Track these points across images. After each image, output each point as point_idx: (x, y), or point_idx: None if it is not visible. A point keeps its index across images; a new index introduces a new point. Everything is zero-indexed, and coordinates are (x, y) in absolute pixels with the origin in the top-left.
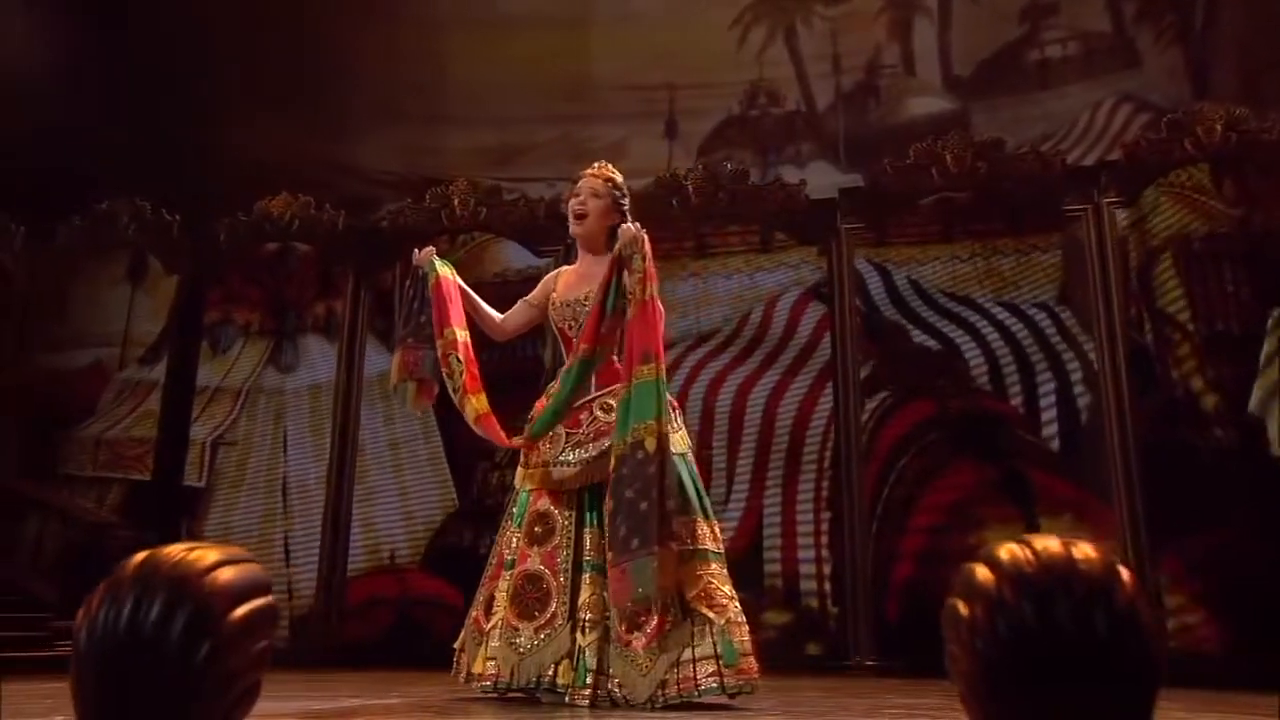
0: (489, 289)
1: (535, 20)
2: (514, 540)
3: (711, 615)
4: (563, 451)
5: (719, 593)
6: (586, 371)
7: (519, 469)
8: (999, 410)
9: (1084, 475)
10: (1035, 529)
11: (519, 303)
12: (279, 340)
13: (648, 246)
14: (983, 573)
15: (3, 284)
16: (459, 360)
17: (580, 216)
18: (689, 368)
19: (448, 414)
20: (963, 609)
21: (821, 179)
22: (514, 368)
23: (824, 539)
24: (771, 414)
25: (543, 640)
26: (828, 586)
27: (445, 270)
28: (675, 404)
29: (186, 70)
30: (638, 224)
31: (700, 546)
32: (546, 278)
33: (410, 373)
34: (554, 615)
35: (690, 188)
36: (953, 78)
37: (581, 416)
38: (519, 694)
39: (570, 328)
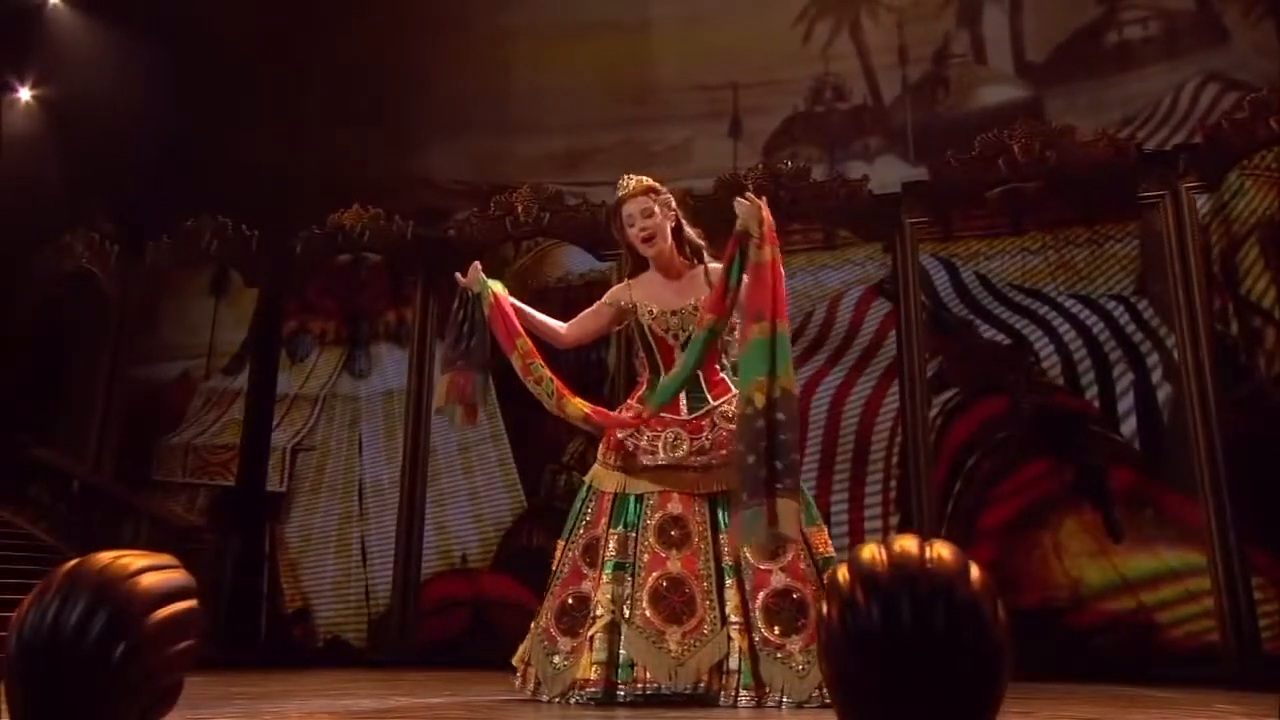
0: (554, 294)
1: (599, 25)
2: (612, 541)
3: None
4: (689, 456)
5: None
6: (712, 340)
7: (614, 473)
8: (1074, 407)
9: (1166, 472)
10: (1115, 530)
11: (588, 312)
12: (353, 348)
13: (766, 212)
14: (842, 574)
15: (100, 301)
16: (540, 367)
17: (650, 239)
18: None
19: (515, 417)
20: (824, 609)
21: (890, 173)
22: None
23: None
24: (837, 414)
25: (694, 645)
26: None
27: (496, 287)
28: None
29: (260, 92)
30: (750, 195)
31: (830, 554)
32: (616, 289)
33: (460, 396)
34: (702, 621)
35: (751, 187)
36: (1026, 64)
37: (703, 423)
38: (671, 698)
39: (677, 337)
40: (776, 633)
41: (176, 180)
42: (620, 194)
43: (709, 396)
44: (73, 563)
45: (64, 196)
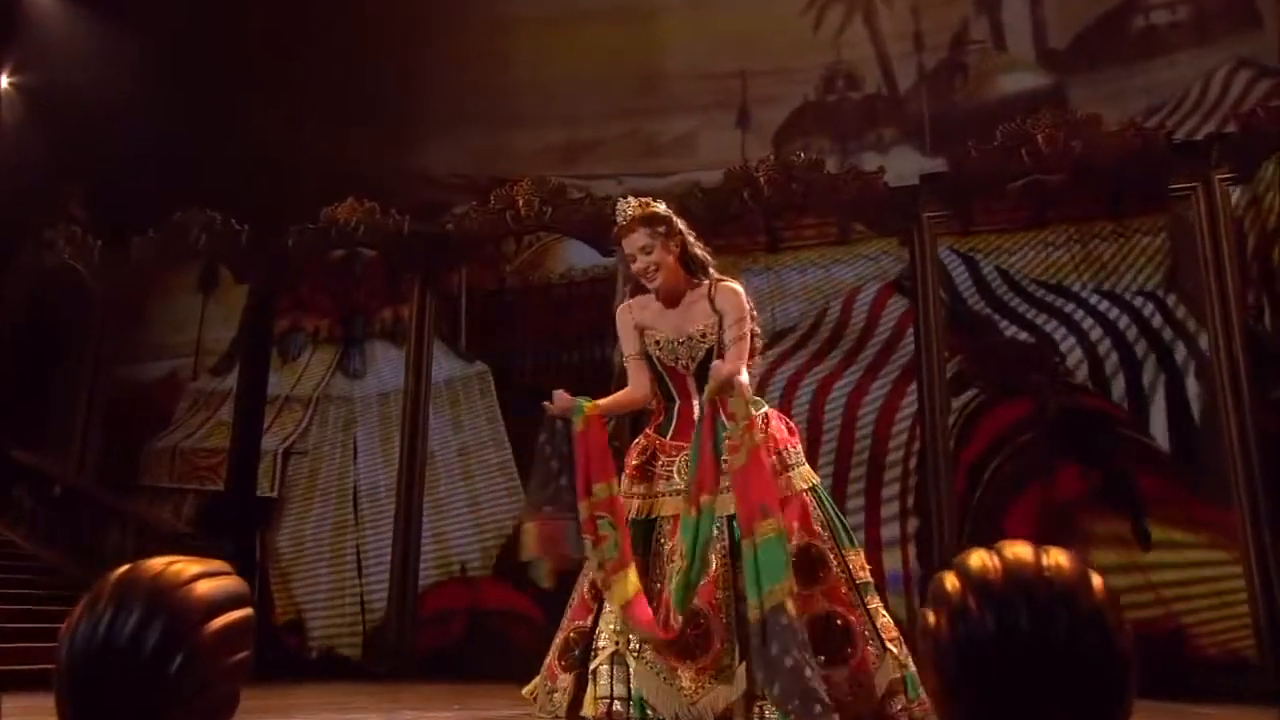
0: (557, 290)
1: (602, 12)
2: (631, 571)
3: (893, 647)
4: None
5: (893, 625)
6: (711, 523)
7: (628, 500)
8: (1101, 408)
9: (1199, 475)
10: (1144, 534)
11: (630, 364)
12: (347, 347)
13: (745, 389)
14: (951, 582)
15: (82, 297)
16: (610, 525)
17: (651, 278)
18: (762, 369)
19: (516, 420)
20: (930, 619)
21: (905, 165)
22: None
23: (911, 548)
24: (852, 415)
25: (709, 683)
26: (916, 598)
27: (587, 404)
28: (794, 427)
29: (251, 82)
30: (727, 365)
31: (869, 579)
32: (623, 318)
33: (550, 549)
34: (719, 655)
35: (762, 179)
36: (1048, 50)
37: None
38: None
39: (686, 366)
40: (821, 662)
41: (163, 172)
42: (617, 226)
43: (725, 420)
44: (123, 570)
45: (45, 189)
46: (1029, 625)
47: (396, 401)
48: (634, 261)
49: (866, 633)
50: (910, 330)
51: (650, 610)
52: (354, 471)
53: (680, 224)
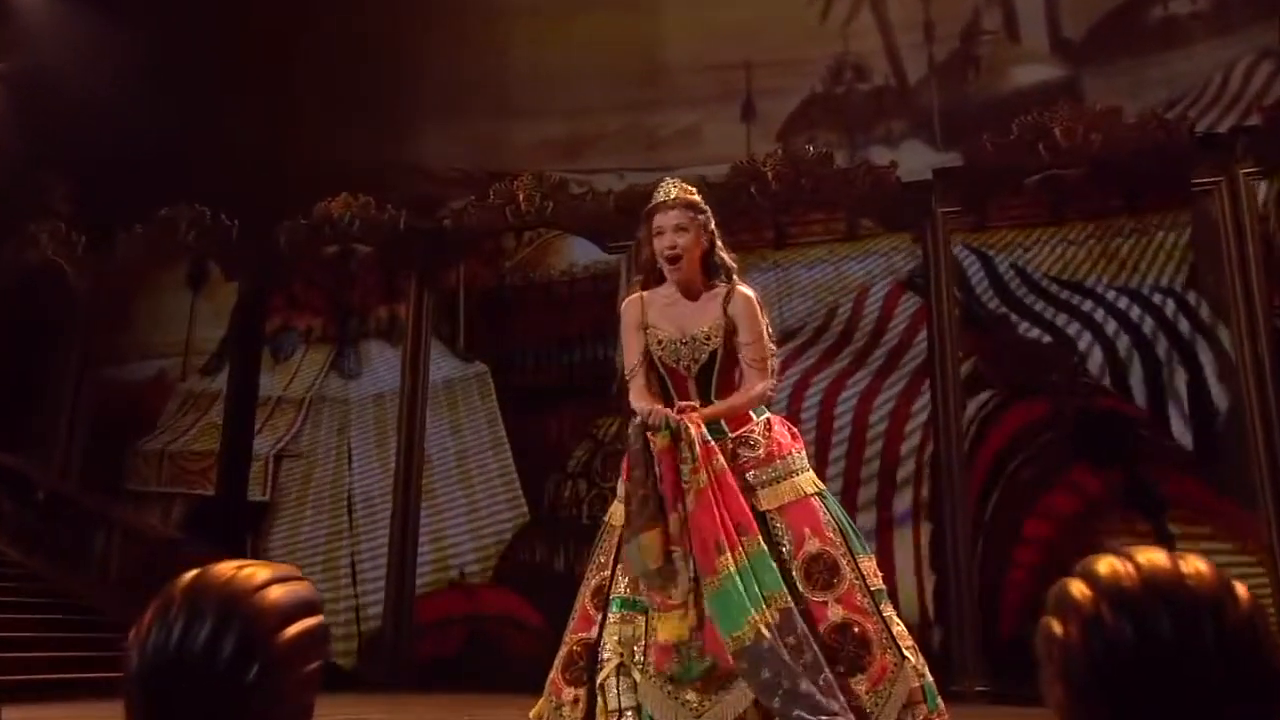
0: (559, 288)
1: (603, 1)
2: (623, 581)
3: (910, 655)
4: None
5: (907, 632)
6: (753, 571)
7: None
8: (1121, 409)
9: (1223, 478)
10: (1167, 540)
11: (634, 380)
12: (341, 346)
13: (694, 431)
14: (1079, 589)
15: (66, 295)
16: (684, 558)
17: (675, 260)
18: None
19: (516, 423)
20: (1057, 628)
21: (914, 159)
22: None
23: (924, 552)
24: (863, 417)
25: (717, 694)
26: (930, 604)
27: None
28: (796, 432)
29: (242, 73)
30: (682, 410)
31: (880, 585)
32: (629, 312)
33: (668, 550)
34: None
35: (769, 173)
36: (1062, 41)
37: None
38: None
39: (690, 367)
40: (839, 672)
41: (151, 166)
42: (658, 198)
43: (726, 428)
44: (192, 575)
45: (28, 182)
46: (1172, 634)
47: (392, 403)
48: (661, 237)
49: (884, 640)
50: (923, 330)
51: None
52: (349, 475)
53: (713, 226)
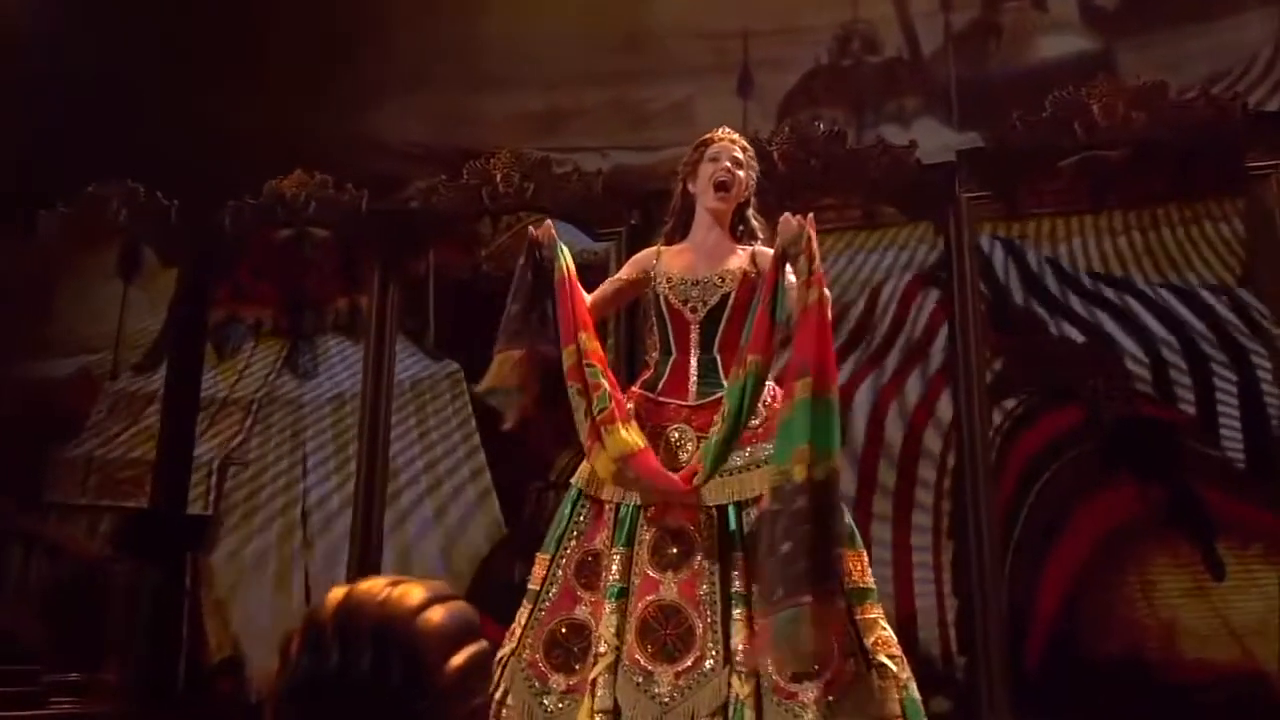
0: None
1: None
2: (614, 562)
3: (893, 666)
4: (695, 460)
5: (893, 639)
6: (760, 386)
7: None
8: (1165, 417)
9: (1276, 493)
10: (1215, 562)
11: (606, 284)
12: (295, 342)
13: (815, 244)
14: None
15: None
16: (599, 374)
17: (725, 188)
18: (777, 370)
19: (492, 426)
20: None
21: (930, 139)
22: None
23: (946, 575)
24: (878, 424)
25: (688, 687)
26: (952, 631)
27: (568, 259)
28: None
29: (183, 33)
30: (799, 216)
31: (867, 584)
32: (642, 255)
33: (528, 375)
34: (701, 657)
35: (776, 154)
36: (1094, 9)
37: (714, 416)
38: None
39: (697, 309)
40: (786, 678)
41: (77, 135)
42: (711, 134)
43: (724, 381)
44: (340, 594)
45: None
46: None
47: (353, 405)
48: (716, 163)
49: (846, 646)
50: (945, 328)
51: (659, 465)
52: (303, 485)
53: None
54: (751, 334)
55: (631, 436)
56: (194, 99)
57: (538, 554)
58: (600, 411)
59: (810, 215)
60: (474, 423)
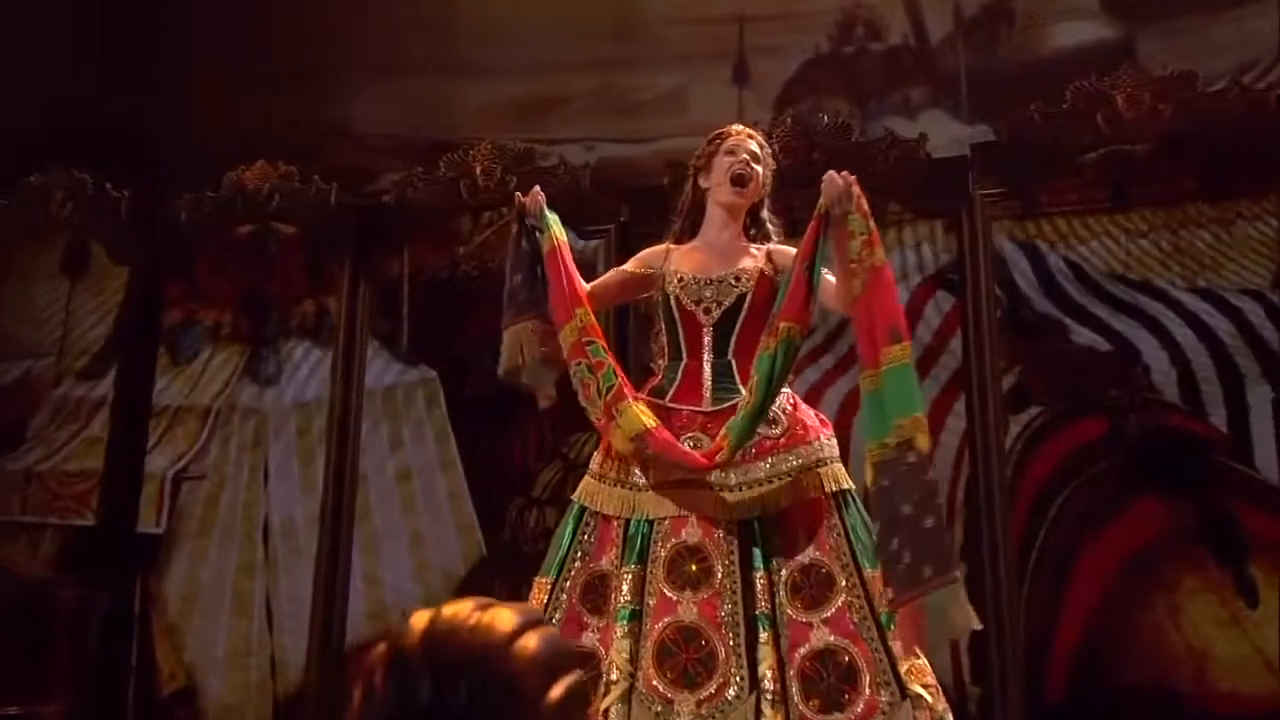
0: None
1: None
2: (625, 582)
3: (928, 697)
4: (716, 470)
5: (928, 668)
6: (792, 357)
7: (615, 490)
8: (1194, 430)
9: None
10: (1248, 584)
11: (610, 273)
12: (257, 346)
13: (865, 202)
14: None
15: None
16: (601, 350)
17: (743, 182)
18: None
19: (470, 438)
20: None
21: (939, 133)
22: None
23: None
24: None
25: (711, 717)
26: (965, 659)
27: (559, 230)
28: (825, 419)
29: (133, 13)
30: (845, 172)
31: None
32: (649, 252)
33: (545, 348)
34: (725, 684)
35: (777, 146)
36: None
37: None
38: None
39: (711, 311)
40: (814, 708)
41: (17, 121)
42: (730, 127)
43: (741, 386)
44: (425, 620)
45: None
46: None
47: (320, 414)
48: (735, 156)
49: (879, 674)
50: (958, 334)
51: (676, 442)
52: (264, 500)
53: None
54: (785, 300)
55: (644, 413)
56: (147, 82)
57: (536, 579)
58: (609, 390)
59: (854, 177)
60: (450, 433)
